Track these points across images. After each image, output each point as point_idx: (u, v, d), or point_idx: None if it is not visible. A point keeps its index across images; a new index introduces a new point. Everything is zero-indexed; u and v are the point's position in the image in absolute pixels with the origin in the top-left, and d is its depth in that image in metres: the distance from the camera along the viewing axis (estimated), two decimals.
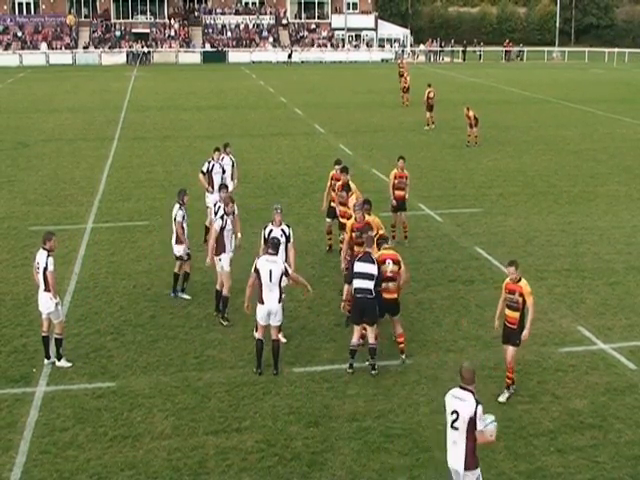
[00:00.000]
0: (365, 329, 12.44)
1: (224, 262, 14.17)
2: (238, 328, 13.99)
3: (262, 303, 12.19)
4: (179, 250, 15.35)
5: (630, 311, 14.91)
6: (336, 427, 10.81)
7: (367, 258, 12.32)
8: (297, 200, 22.15)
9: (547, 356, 12.81)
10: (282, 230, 13.75)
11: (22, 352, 13.01)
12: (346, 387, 11.91)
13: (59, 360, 12.49)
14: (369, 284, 12.15)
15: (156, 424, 10.86)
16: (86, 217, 21.13)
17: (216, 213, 15.25)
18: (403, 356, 12.77)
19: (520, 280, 11.32)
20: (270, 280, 12.12)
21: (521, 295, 11.21)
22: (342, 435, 10.62)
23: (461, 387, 8.33)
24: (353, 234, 14.20)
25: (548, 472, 9.85)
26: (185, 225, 15.22)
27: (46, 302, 12.32)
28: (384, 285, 12.45)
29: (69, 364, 12.48)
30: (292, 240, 13.89)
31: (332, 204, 17.18)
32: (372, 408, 11.31)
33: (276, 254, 12.39)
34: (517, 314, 11.28)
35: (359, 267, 12.22)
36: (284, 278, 12.34)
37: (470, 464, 8.27)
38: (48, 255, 12.28)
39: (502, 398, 11.46)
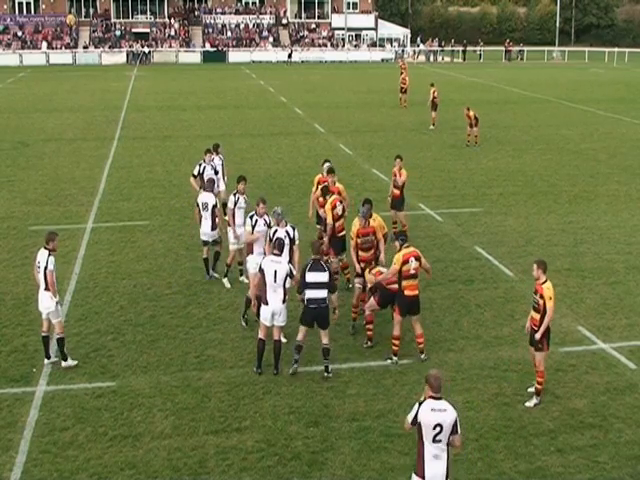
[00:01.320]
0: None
1: (250, 264, 14.13)
2: (238, 328, 13.99)
3: (266, 304, 12.17)
4: (213, 235, 15.87)
5: (630, 311, 14.91)
6: (336, 427, 10.81)
7: (318, 266, 12.13)
8: (297, 200, 22.13)
9: (547, 356, 12.78)
10: (287, 232, 13.67)
11: (22, 352, 13.01)
12: (346, 387, 11.92)
13: (65, 360, 12.43)
14: (323, 293, 12.04)
15: (156, 424, 10.86)
16: (86, 217, 21.13)
17: (236, 203, 15.27)
18: (423, 355, 12.78)
19: (545, 282, 11.22)
20: (274, 281, 12.10)
21: (542, 297, 11.13)
22: (342, 435, 10.62)
23: (433, 397, 7.97)
24: (359, 240, 14.08)
25: (548, 472, 9.85)
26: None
27: (46, 301, 12.31)
28: (407, 282, 12.46)
29: (75, 362, 12.46)
30: (297, 242, 13.85)
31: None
32: (372, 408, 11.31)
33: (281, 255, 12.39)
34: (538, 316, 11.21)
35: (311, 277, 12.02)
36: (288, 279, 12.32)
37: (450, 475, 8.03)
38: (49, 254, 12.29)
39: (529, 403, 11.37)
